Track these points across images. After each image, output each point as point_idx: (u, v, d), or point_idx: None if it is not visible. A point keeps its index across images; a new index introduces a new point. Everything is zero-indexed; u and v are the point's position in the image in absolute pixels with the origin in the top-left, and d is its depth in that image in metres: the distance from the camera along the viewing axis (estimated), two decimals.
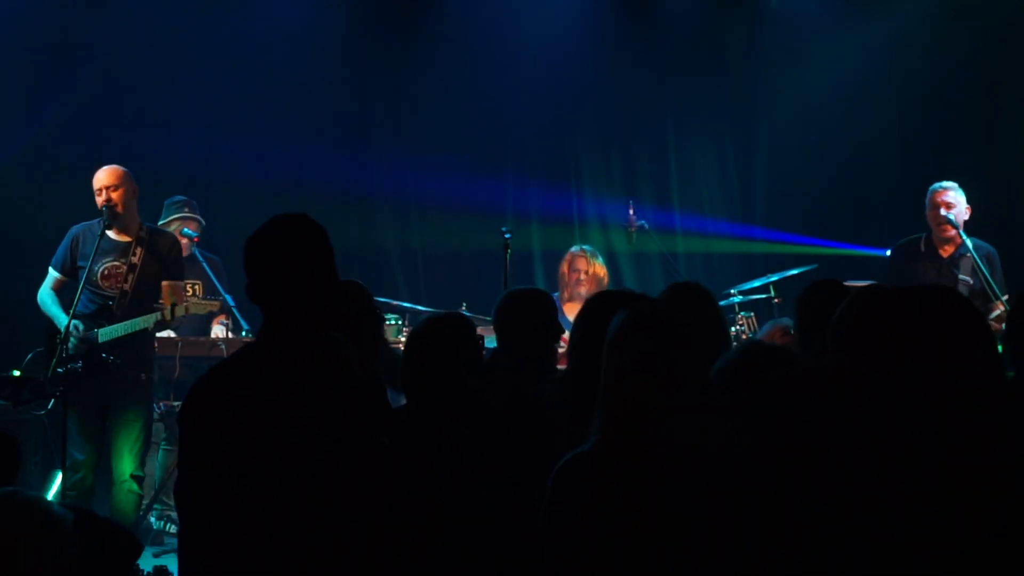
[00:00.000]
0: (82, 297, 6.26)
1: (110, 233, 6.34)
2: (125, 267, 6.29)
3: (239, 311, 7.25)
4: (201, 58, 8.85)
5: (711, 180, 9.58)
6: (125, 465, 6.25)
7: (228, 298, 7.18)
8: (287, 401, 2.69)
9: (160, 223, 7.46)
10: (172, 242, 6.59)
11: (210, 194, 8.91)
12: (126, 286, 6.29)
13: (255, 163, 9.16)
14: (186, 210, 7.57)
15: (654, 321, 2.74)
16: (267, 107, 9.12)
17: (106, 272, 6.30)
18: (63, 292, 6.39)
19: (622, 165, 9.53)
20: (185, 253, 7.44)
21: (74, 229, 6.43)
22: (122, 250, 6.33)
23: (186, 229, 7.46)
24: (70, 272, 6.37)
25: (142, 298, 6.31)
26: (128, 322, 6.22)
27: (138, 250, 6.33)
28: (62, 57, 8.62)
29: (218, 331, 7.51)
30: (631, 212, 7.97)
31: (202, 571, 2.68)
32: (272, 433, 2.65)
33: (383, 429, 2.82)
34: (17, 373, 6.24)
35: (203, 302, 6.50)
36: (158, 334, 6.82)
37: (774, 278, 7.59)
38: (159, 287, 6.33)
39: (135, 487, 6.27)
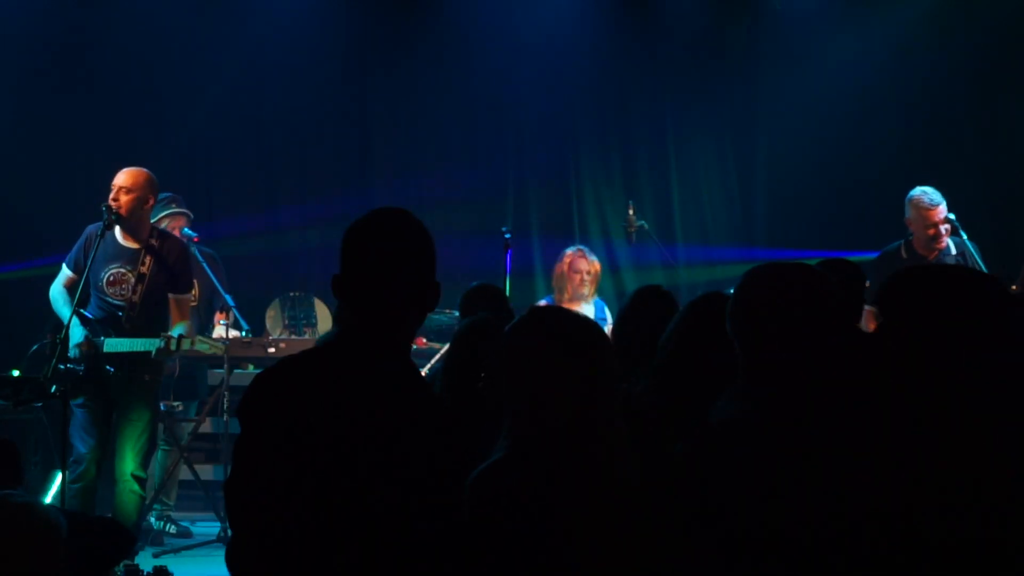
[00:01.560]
0: (90, 302, 6.21)
1: (118, 237, 6.23)
2: (133, 276, 6.19)
3: (238, 311, 7.25)
4: (201, 56, 8.85)
5: (711, 180, 9.58)
6: (127, 465, 6.23)
7: (228, 298, 7.17)
8: (358, 405, 2.50)
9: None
10: (181, 250, 6.45)
11: (210, 193, 8.93)
12: (135, 297, 6.19)
13: (255, 161, 9.18)
14: (173, 206, 7.43)
15: (561, 331, 2.63)
16: (267, 106, 9.13)
17: (112, 278, 6.19)
18: (73, 290, 6.28)
19: (622, 165, 9.53)
20: None
21: (89, 228, 6.29)
22: (130, 257, 6.22)
23: (186, 229, 7.43)
24: (82, 270, 6.21)
25: (151, 309, 6.25)
26: (133, 340, 6.14)
27: (147, 259, 6.21)
28: (62, 55, 8.63)
29: (219, 331, 7.51)
30: (631, 212, 7.97)
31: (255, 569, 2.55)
32: (337, 435, 2.48)
33: (455, 448, 2.65)
34: (17, 373, 6.23)
35: (209, 340, 6.39)
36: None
37: None
38: (166, 297, 6.30)
39: (136, 487, 6.25)
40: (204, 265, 7.34)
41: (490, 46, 9.27)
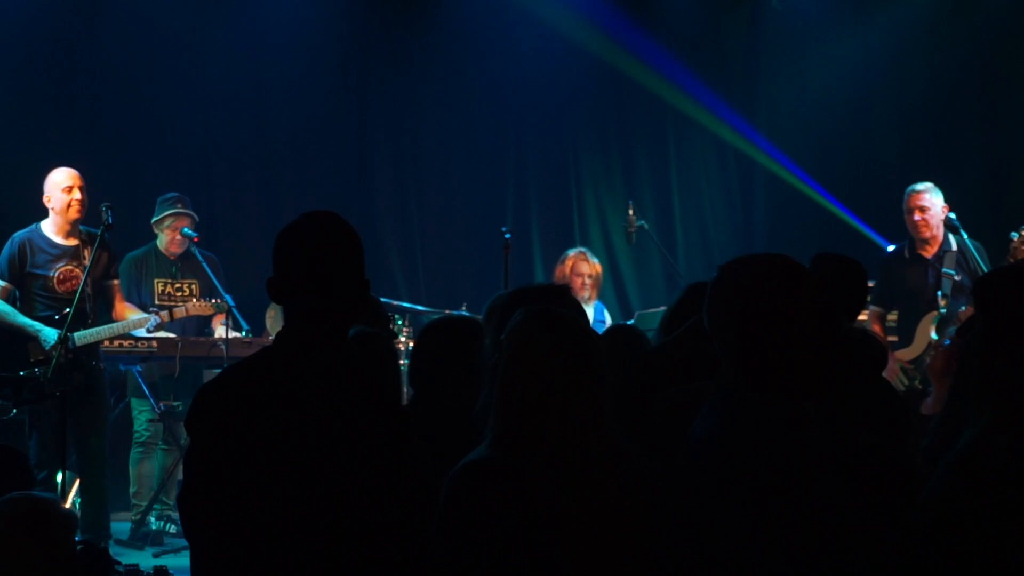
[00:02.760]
0: (37, 304, 6.39)
1: (55, 237, 6.47)
2: (80, 270, 6.40)
3: (238, 311, 7.25)
4: (201, 56, 8.85)
5: (711, 180, 9.58)
6: (96, 452, 6.48)
7: (228, 298, 7.19)
8: (305, 407, 2.54)
9: (153, 220, 7.47)
10: (106, 240, 6.63)
11: (211, 193, 8.92)
12: (88, 288, 6.42)
13: (255, 163, 9.17)
14: (179, 206, 7.48)
15: (558, 325, 2.63)
16: (267, 106, 9.12)
17: (61, 276, 6.41)
18: (10, 301, 6.48)
19: (622, 165, 9.53)
20: (180, 250, 7.49)
21: (18, 237, 6.51)
22: (73, 253, 6.44)
23: (186, 229, 7.44)
24: (17, 280, 6.46)
25: (98, 297, 6.60)
26: (113, 325, 6.54)
27: (85, 252, 6.44)
28: (61, 55, 8.62)
29: (219, 331, 7.51)
30: (631, 212, 7.97)
31: None
32: (288, 439, 2.51)
33: (406, 439, 2.67)
34: (21, 373, 6.27)
35: (204, 304, 6.86)
36: (158, 334, 6.89)
37: None
38: (106, 287, 6.63)
39: (106, 473, 6.55)
40: (204, 265, 7.37)
41: (490, 46, 9.27)
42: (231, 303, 7.16)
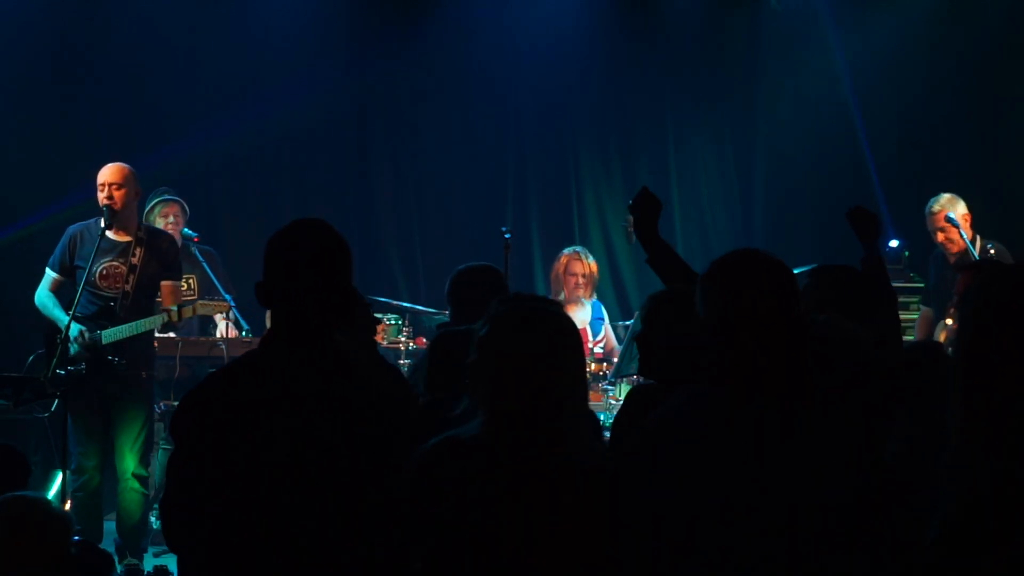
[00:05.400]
0: (81, 298, 6.25)
1: (108, 232, 6.30)
2: (125, 267, 6.29)
3: (238, 310, 7.26)
4: (201, 54, 8.85)
5: (711, 180, 9.58)
6: (128, 463, 6.32)
7: (228, 297, 7.19)
8: (291, 411, 2.60)
9: (144, 214, 7.45)
10: (171, 242, 6.67)
11: (209, 192, 8.93)
12: (127, 287, 6.30)
13: (255, 161, 9.18)
14: (165, 194, 7.46)
15: (532, 314, 2.67)
16: (267, 104, 9.11)
17: (104, 272, 6.28)
18: (61, 293, 6.40)
19: (622, 165, 9.53)
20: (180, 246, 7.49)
21: (72, 229, 6.42)
22: (121, 250, 6.33)
23: (186, 230, 7.45)
24: (68, 272, 6.36)
25: (142, 298, 6.40)
26: (132, 323, 6.28)
27: (138, 250, 6.34)
28: (63, 55, 8.62)
29: (220, 328, 7.51)
30: None
31: None
32: (272, 443, 2.57)
33: (401, 441, 2.71)
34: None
35: (211, 303, 6.68)
36: (157, 334, 6.87)
37: None
38: (157, 287, 6.44)
39: (138, 485, 6.36)
40: (204, 264, 7.38)
41: (490, 46, 9.27)
42: (231, 303, 7.17)
